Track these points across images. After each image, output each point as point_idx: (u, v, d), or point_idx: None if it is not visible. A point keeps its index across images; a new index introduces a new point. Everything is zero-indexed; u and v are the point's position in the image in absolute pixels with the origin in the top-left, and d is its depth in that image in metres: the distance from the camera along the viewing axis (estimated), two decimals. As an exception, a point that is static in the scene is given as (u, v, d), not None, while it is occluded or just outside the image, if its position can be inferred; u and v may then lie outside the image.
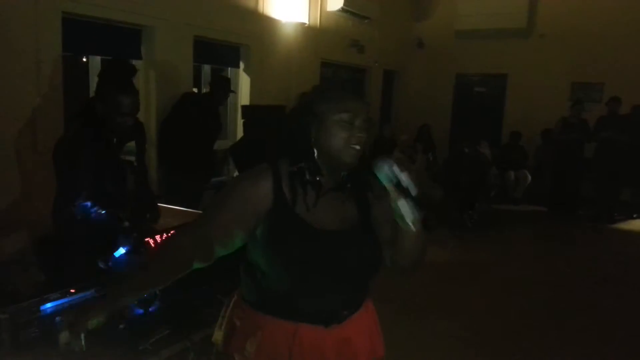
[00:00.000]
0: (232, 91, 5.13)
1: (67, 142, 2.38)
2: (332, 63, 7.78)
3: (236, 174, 5.95)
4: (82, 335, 1.40)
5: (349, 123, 1.37)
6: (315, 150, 1.39)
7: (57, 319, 1.55)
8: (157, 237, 2.08)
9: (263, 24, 6.04)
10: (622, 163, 7.19)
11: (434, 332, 3.75)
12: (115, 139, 2.45)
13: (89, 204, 2.19)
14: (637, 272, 5.45)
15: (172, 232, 2.16)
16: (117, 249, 1.95)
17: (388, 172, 1.31)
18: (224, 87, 4.88)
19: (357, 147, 1.37)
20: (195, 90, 5.50)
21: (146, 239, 2.02)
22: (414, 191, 1.31)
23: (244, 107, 5.78)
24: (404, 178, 1.30)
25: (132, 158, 2.88)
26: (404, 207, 1.31)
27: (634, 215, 7.57)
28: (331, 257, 1.38)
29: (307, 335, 1.40)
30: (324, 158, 1.39)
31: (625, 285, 4.98)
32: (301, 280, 1.37)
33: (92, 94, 4.34)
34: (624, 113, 7.31)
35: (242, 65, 6.06)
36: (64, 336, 1.41)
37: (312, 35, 6.93)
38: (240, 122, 5.87)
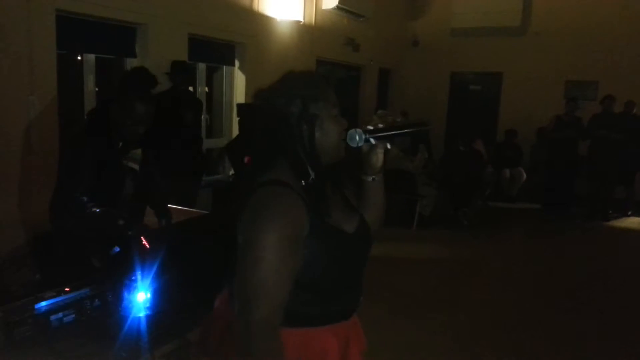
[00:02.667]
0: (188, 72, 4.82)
1: (73, 138, 2.44)
2: (328, 61, 7.77)
3: (232, 172, 5.95)
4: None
5: (337, 115, 1.34)
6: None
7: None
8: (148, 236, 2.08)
9: (258, 22, 6.04)
10: (616, 161, 7.23)
11: (429, 329, 3.76)
12: (120, 143, 2.46)
13: (85, 199, 2.19)
14: (632, 268, 5.49)
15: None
16: (111, 247, 1.96)
17: (359, 138, 1.35)
18: (182, 69, 4.57)
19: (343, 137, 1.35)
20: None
21: (141, 238, 2.02)
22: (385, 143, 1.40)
23: (239, 106, 5.77)
24: (372, 140, 1.37)
25: (137, 166, 2.87)
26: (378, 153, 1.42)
27: (629, 213, 7.61)
28: (363, 257, 1.42)
29: (340, 333, 1.38)
30: (323, 158, 1.32)
31: (620, 282, 5.01)
32: (344, 286, 1.37)
33: (86, 93, 4.40)
34: (619, 111, 7.34)
35: (237, 63, 6.05)
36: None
37: (308, 33, 6.92)
38: (235, 120, 5.87)
